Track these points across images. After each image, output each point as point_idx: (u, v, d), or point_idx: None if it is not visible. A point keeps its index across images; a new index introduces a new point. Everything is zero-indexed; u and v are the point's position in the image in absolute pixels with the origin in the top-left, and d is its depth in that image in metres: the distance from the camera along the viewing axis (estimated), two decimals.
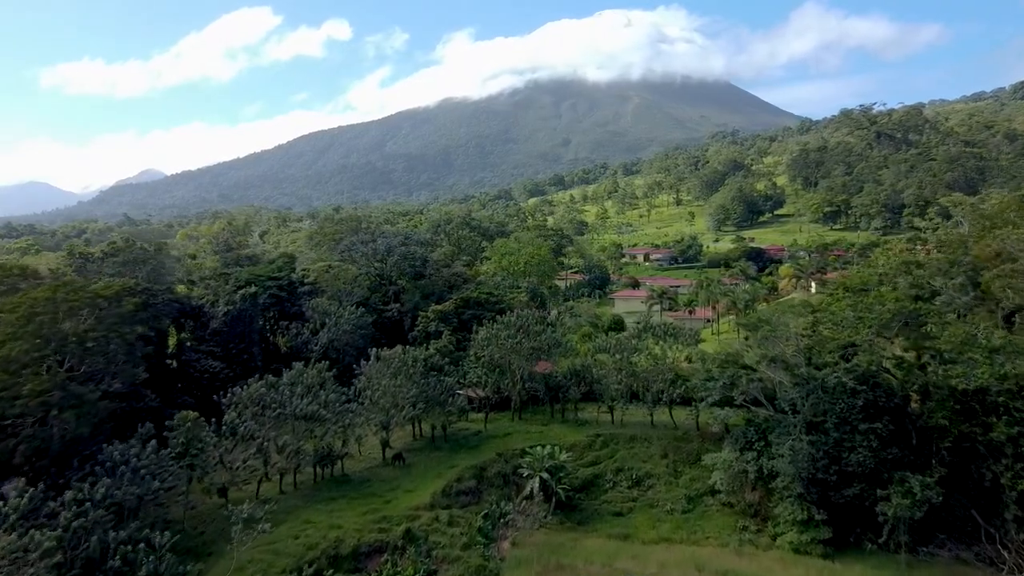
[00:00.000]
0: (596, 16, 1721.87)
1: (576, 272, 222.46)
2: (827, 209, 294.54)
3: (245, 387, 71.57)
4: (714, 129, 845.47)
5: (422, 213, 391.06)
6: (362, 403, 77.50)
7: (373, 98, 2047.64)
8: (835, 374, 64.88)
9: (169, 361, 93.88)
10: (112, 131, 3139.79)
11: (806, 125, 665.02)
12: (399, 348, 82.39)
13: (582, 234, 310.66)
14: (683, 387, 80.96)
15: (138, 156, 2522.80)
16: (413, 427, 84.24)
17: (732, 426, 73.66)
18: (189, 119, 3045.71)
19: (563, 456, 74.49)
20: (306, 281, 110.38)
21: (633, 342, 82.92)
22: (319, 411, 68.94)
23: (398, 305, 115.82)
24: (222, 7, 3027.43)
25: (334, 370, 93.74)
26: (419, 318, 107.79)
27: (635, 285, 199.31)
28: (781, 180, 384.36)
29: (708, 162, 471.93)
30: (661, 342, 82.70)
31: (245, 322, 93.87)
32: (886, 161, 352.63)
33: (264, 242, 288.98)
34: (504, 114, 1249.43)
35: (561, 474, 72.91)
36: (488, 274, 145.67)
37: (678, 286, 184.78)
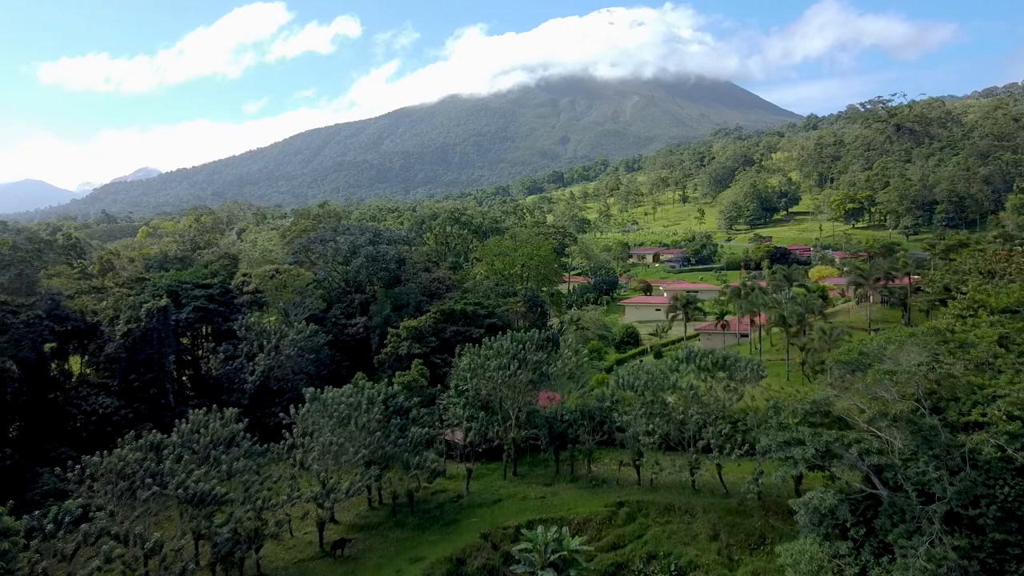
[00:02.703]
0: (599, 13, 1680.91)
1: (579, 274, 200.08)
2: (849, 206, 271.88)
3: (117, 448, 49.04)
4: (714, 127, 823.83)
5: (414, 210, 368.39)
6: (294, 466, 55.21)
7: (379, 95, 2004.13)
8: (993, 441, 42.55)
9: (56, 396, 71.46)
10: (115, 129, 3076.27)
11: (812, 121, 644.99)
12: (348, 387, 59.93)
13: (584, 232, 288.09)
14: (741, 439, 58.65)
15: (141, 154, 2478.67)
16: (369, 491, 61.83)
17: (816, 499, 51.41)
18: (194, 116, 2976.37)
19: (575, 542, 52.15)
20: (246, 289, 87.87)
21: (672, 377, 60.40)
22: (215, 489, 46.45)
23: (365, 319, 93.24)
24: (234, 1, 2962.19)
25: (276, 406, 71.95)
26: (388, 336, 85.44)
27: (647, 290, 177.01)
28: (794, 176, 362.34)
29: (714, 158, 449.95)
30: (709, 376, 60.25)
31: (153, 345, 71.44)
32: (909, 155, 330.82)
33: (242, 240, 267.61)
34: (503, 111, 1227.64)
35: (572, 571, 50.67)
36: (479, 278, 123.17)
37: (696, 291, 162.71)
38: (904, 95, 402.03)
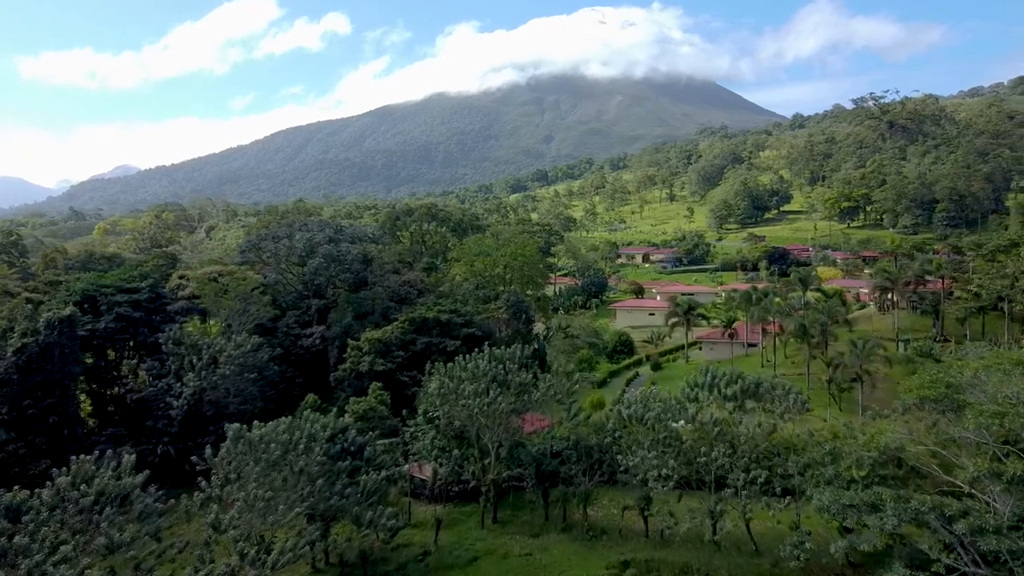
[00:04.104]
0: (586, 12, 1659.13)
1: (565, 275, 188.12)
2: (844, 204, 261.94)
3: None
4: (698, 127, 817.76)
5: (394, 207, 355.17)
6: (214, 526, 42.70)
7: (366, 92, 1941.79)
8: None
9: None
10: (99, 125, 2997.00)
11: (799, 120, 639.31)
12: (284, 421, 47.55)
13: (569, 231, 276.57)
14: (779, 485, 46.95)
15: (126, 152, 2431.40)
16: (312, 547, 49.40)
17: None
18: (180, 113, 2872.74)
19: None
20: (181, 294, 75.14)
21: (690, 408, 48.48)
22: (84, 574, 34.07)
23: (322, 328, 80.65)
24: None
25: (211, 436, 59.81)
26: (348, 349, 73.06)
27: (639, 292, 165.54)
28: (785, 174, 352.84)
29: (701, 156, 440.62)
30: (737, 408, 48.41)
31: (55, 363, 58.72)
32: (904, 153, 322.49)
33: (210, 238, 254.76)
34: (487, 110, 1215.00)
35: None
36: (457, 280, 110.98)
37: (692, 293, 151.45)
38: (897, 91, 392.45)
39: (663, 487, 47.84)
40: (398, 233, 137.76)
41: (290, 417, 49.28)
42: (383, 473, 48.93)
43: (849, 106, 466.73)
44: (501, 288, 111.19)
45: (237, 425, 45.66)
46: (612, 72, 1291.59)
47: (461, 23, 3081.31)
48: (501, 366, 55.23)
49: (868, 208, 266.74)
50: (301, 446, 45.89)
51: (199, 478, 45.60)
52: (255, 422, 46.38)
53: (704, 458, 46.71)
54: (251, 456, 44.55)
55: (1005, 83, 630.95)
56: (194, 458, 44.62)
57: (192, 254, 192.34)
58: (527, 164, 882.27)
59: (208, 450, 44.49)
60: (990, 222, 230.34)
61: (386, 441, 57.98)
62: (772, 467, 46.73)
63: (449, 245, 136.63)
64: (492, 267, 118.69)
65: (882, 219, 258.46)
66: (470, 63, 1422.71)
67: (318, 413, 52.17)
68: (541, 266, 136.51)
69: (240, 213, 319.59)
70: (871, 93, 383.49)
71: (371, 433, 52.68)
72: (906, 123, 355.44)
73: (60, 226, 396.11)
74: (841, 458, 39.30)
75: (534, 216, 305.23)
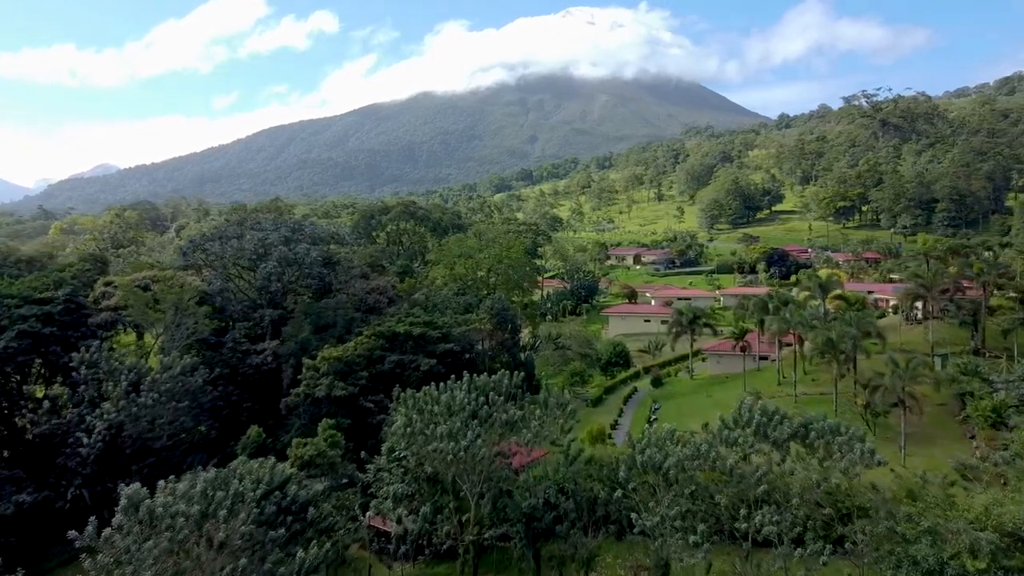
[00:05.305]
0: (571, 13, 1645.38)
1: (553, 277, 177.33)
2: (840, 204, 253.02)
3: None
4: (682, 127, 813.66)
5: (371, 206, 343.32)
6: None
7: (351, 91, 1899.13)
8: None
9: None
10: (81, 123, 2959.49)
11: (785, 120, 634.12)
12: (203, 479, 36.44)
13: (556, 231, 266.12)
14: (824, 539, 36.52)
15: (108, 150, 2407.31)
16: None
17: None
18: (166, 111, 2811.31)
19: None
20: (105, 304, 63.76)
21: (729, 455, 37.90)
22: None
23: (276, 343, 69.48)
24: None
25: (134, 477, 49.03)
26: (304, 369, 62.02)
27: (631, 296, 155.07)
28: (776, 173, 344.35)
29: (689, 155, 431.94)
30: (784, 453, 37.88)
31: None
32: (898, 151, 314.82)
33: (180, 238, 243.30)
34: (472, 110, 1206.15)
35: None
36: (436, 285, 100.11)
37: (688, 298, 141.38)
38: (889, 89, 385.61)
39: (690, 558, 37.29)
40: (373, 233, 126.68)
41: (214, 469, 38.32)
42: (327, 545, 37.92)
43: (836, 106, 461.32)
44: (484, 293, 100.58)
45: (136, 486, 34.54)
46: (601, 73, 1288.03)
47: (450, 21, 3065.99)
48: (483, 397, 44.59)
49: (864, 208, 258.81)
50: (223, 512, 34.98)
51: (83, 554, 34.58)
52: (159, 483, 35.42)
53: (745, 524, 36.25)
54: (153, 531, 33.57)
55: (991, 83, 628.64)
56: (72, 533, 33.41)
57: (161, 254, 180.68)
58: (511, 164, 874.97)
59: (91, 524, 33.29)
60: (991, 222, 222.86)
61: (337, 485, 47.17)
62: (818, 526, 36.39)
63: (428, 246, 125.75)
64: (475, 270, 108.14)
65: (879, 219, 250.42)
66: (458, 62, 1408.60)
67: (251, 462, 41.26)
68: (528, 269, 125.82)
69: (213, 212, 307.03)
70: (863, 91, 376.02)
71: (319, 485, 41.67)
72: (899, 122, 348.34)
73: (26, 226, 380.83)
74: (943, 538, 28.95)
75: (519, 216, 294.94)
